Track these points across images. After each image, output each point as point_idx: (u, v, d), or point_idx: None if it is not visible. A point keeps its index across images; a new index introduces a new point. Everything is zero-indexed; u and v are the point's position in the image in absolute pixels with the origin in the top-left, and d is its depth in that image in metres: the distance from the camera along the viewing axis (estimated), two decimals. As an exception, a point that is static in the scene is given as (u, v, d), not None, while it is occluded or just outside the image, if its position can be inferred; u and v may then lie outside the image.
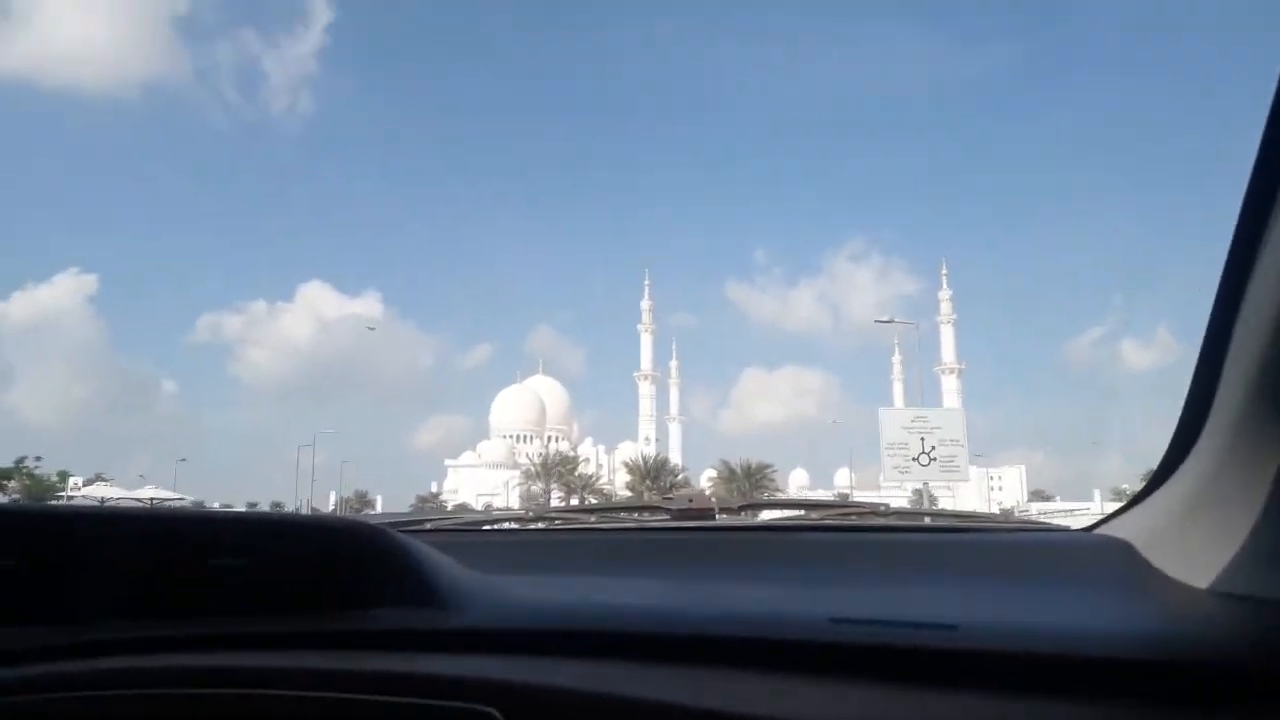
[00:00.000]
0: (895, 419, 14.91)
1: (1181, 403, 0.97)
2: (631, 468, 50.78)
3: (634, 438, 68.13)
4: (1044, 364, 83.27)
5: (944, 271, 62.17)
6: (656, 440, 67.64)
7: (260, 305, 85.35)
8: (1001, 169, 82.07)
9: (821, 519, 1.48)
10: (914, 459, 13.97)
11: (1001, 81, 77.97)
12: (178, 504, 35.76)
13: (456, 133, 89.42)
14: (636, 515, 1.68)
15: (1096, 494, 54.14)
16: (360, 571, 0.88)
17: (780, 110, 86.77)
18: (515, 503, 51.41)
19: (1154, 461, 1.07)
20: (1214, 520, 0.90)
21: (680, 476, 51.23)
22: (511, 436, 71.64)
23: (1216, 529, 0.88)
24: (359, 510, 54.40)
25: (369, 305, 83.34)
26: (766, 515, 1.89)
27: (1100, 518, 1.20)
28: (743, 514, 1.69)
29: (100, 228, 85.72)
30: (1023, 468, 65.75)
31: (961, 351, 62.08)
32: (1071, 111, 76.40)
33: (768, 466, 46.72)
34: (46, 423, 75.84)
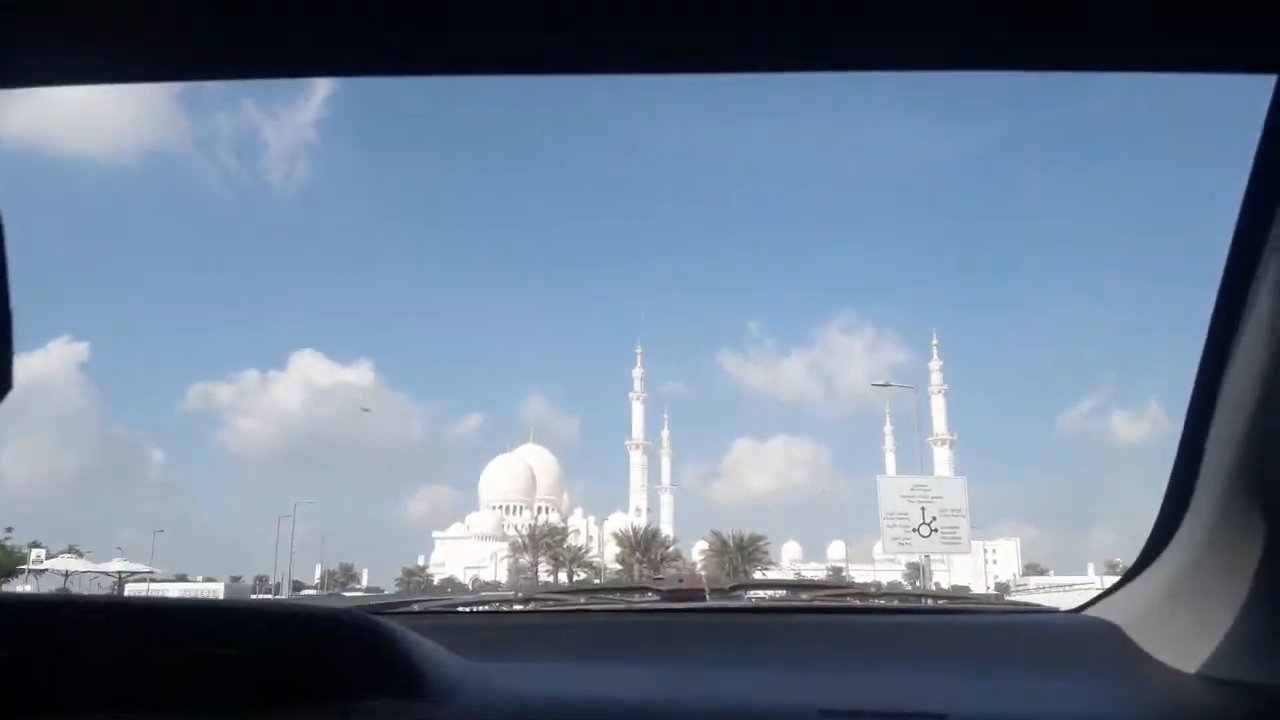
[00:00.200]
0: (894, 487, 14.62)
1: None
2: (621, 539, 50.09)
3: (625, 507, 67.40)
4: (1035, 436, 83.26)
5: (935, 343, 62.54)
6: (648, 510, 66.89)
7: (252, 374, 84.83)
8: (992, 244, 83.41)
9: (813, 600, 1.49)
10: (914, 529, 13.73)
11: (992, 161, 79.83)
12: (146, 576, 35.00)
13: (450, 205, 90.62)
14: (626, 596, 1.68)
15: (1090, 567, 53.63)
16: (349, 662, 0.86)
17: (772, 185, 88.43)
18: (503, 575, 50.58)
19: (1147, 534, 1.08)
20: (1198, 605, 0.91)
21: (671, 549, 50.54)
22: (501, 507, 70.79)
23: (1201, 613, 0.90)
24: (344, 584, 53.37)
25: (361, 374, 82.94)
26: (757, 595, 1.88)
27: (1090, 598, 1.22)
28: (733, 594, 1.69)
29: (93, 295, 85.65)
30: (1017, 540, 65.15)
31: (952, 423, 62.14)
32: (1061, 190, 78.16)
33: (760, 539, 46.22)
34: (34, 492, 74.49)
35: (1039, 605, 1.64)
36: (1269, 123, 0.76)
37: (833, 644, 1.13)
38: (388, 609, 1.24)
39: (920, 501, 13.81)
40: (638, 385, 68.98)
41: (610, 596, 1.66)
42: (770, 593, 1.88)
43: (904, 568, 45.49)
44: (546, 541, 51.27)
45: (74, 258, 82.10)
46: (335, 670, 0.85)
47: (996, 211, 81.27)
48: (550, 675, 1.01)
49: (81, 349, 75.20)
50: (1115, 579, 1.22)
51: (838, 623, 1.27)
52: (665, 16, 0.64)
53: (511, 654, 1.07)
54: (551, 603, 1.61)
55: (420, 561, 66.59)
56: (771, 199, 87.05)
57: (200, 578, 56.13)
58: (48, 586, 31.92)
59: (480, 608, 1.63)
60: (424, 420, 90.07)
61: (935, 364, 61.24)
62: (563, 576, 45.14)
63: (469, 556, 63.05)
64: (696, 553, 51.76)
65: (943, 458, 60.11)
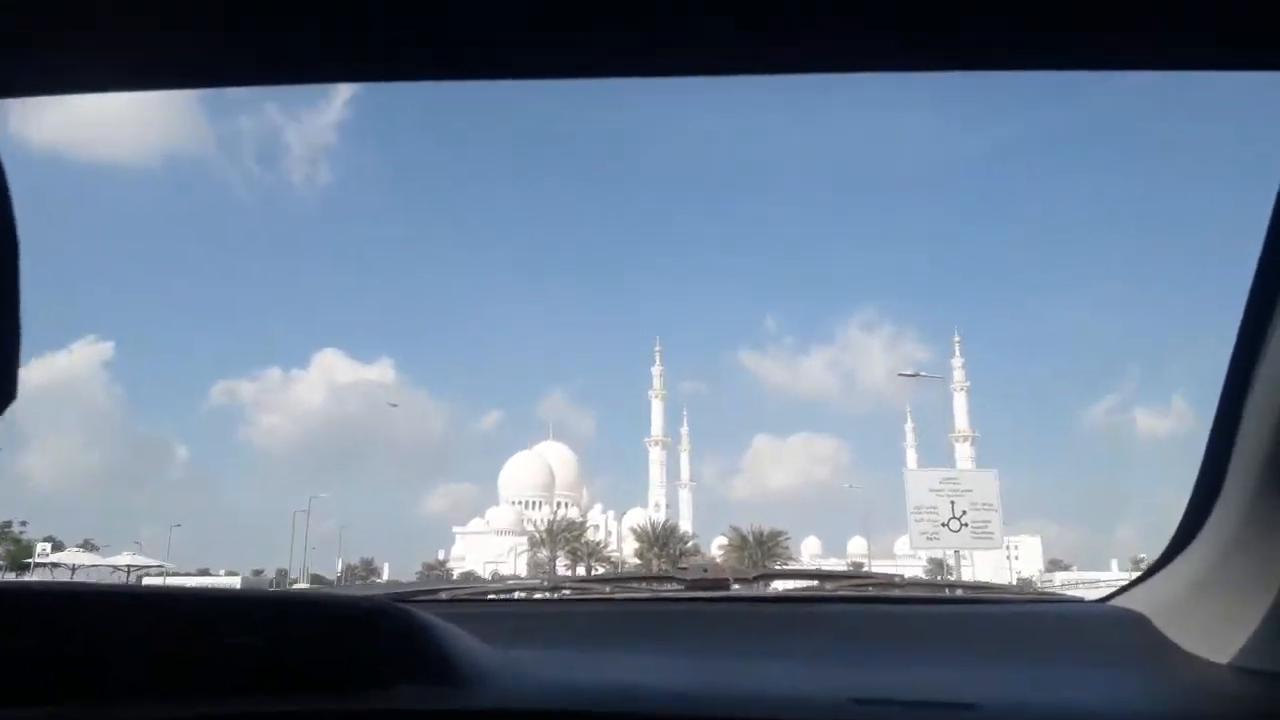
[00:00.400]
0: (922, 481, 14.15)
1: (1197, 472, 0.99)
2: (640, 535, 50.04)
3: (644, 503, 67.39)
4: (1058, 433, 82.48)
5: (956, 339, 61.99)
6: (667, 506, 66.86)
7: (275, 372, 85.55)
8: (1014, 238, 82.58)
9: (837, 590, 1.47)
10: (943, 524, 13.35)
11: (1012, 156, 79.01)
12: (158, 571, 35.20)
13: (470, 204, 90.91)
14: (651, 585, 1.70)
15: (1114, 563, 53.01)
16: (378, 649, 0.86)
17: (792, 181, 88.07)
18: (522, 569, 50.66)
19: (1171, 531, 1.07)
20: (1228, 594, 0.91)
21: (690, 544, 50.47)
22: (520, 503, 70.97)
23: (1231, 602, 0.89)
24: (365, 578, 53.65)
25: (382, 372, 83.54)
26: (780, 585, 1.88)
27: (1115, 589, 1.21)
28: (756, 584, 1.68)
29: (118, 295, 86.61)
30: (1039, 537, 64.53)
31: (974, 419, 61.58)
32: (1086, 181, 77.13)
33: (780, 534, 46.02)
34: (60, 488, 75.53)
35: (1065, 595, 1.61)
36: None
37: (859, 633, 1.12)
38: (414, 597, 1.24)
39: (949, 495, 13.40)
40: (657, 383, 68.97)
41: (635, 585, 1.67)
42: (794, 583, 1.86)
43: (925, 563, 45.11)
44: (565, 536, 51.35)
45: (99, 259, 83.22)
46: (363, 657, 0.85)
47: (1017, 208, 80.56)
48: (576, 662, 1.01)
49: (106, 348, 76.23)
50: (1140, 574, 1.20)
51: (864, 612, 1.26)
52: (684, 18, 0.65)
53: (537, 641, 1.08)
54: (576, 591, 1.62)
55: (440, 556, 66.88)
56: (791, 196, 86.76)
57: (222, 571, 56.69)
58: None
59: (506, 596, 1.62)
60: (444, 417, 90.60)
61: (957, 360, 60.69)
62: (581, 571, 45.07)
63: (488, 551, 63.25)
64: (715, 548, 51.59)
65: (964, 454, 59.60)
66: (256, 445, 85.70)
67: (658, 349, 69.39)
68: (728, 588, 1.43)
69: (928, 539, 13.63)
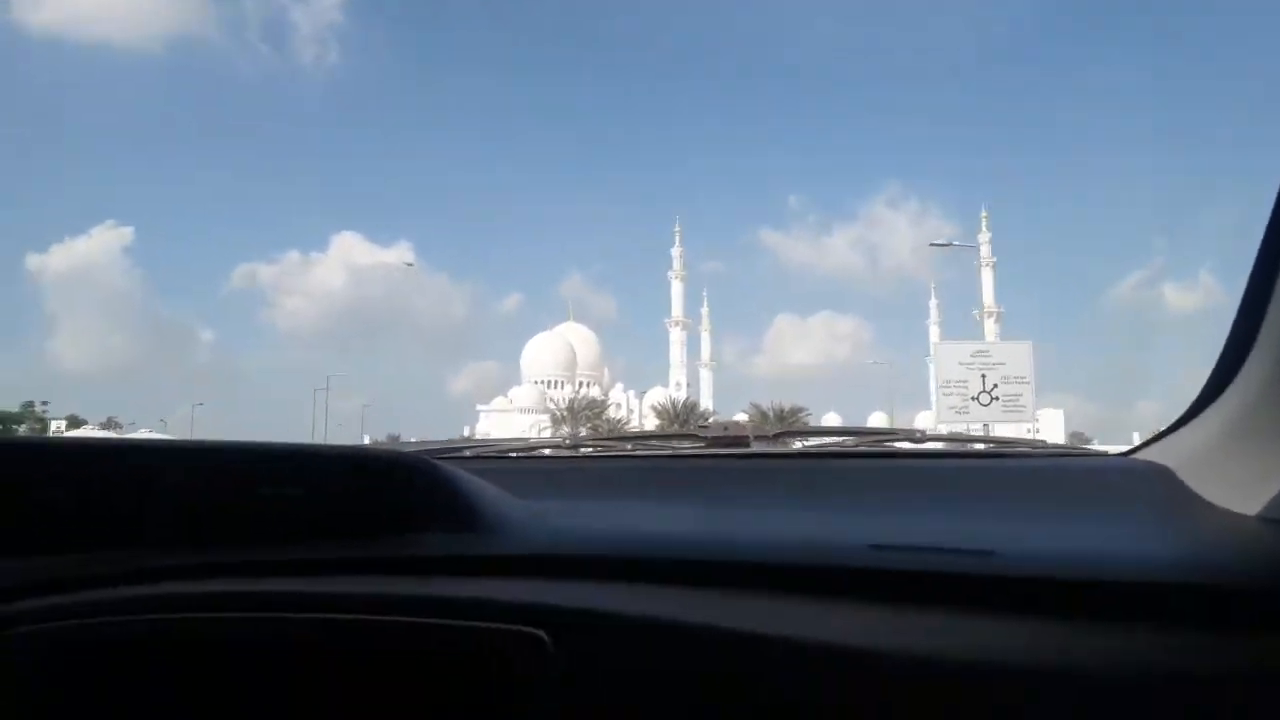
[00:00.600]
0: (953, 353, 13.66)
1: (1222, 344, 0.95)
2: (660, 412, 50.56)
3: (666, 383, 67.73)
4: (1083, 307, 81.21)
5: (983, 215, 60.14)
6: (688, 385, 67.18)
7: (294, 255, 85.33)
8: (1042, 111, 79.17)
9: (858, 445, 1.46)
10: (973, 398, 12.96)
11: (1039, 26, 74.71)
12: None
13: (486, 83, 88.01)
14: (672, 443, 1.72)
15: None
16: (407, 499, 0.89)
17: (815, 55, 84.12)
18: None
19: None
20: (1257, 445, 0.89)
21: (710, 420, 50.87)
22: (543, 382, 71.62)
23: (1260, 454, 0.88)
24: (392, 452, 54.89)
25: (401, 255, 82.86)
26: (801, 445, 1.86)
27: (1140, 443, 1.17)
28: (777, 441, 1.64)
29: (134, 180, 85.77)
30: (1062, 411, 64.52)
31: (999, 296, 60.51)
32: (1116, 52, 73.13)
33: (800, 409, 46.27)
34: (87, 370, 77.11)
35: (1088, 449, 1.61)
36: None
37: (880, 487, 1.12)
38: (444, 454, 1.26)
39: (980, 368, 12.94)
40: (677, 263, 67.94)
41: (655, 443, 1.69)
42: (815, 441, 1.81)
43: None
44: (586, 414, 52.01)
45: (112, 145, 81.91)
46: (393, 507, 0.88)
47: (1044, 79, 76.81)
48: (596, 512, 1.03)
49: (126, 233, 75.98)
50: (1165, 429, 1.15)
51: (885, 466, 1.25)
52: None
53: (559, 494, 1.10)
54: (598, 449, 1.64)
55: (465, 432, 68.15)
56: (812, 69, 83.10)
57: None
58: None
59: (529, 453, 1.60)
60: (465, 299, 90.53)
61: (984, 236, 59.11)
62: (604, 448, 45.69)
63: (512, 429, 64.33)
64: (736, 424, 51.97)
65: (990, 331, 58.88)
66: (279, 326, 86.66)
67: (677, 229, 68.18)
68: (748, 445, 1.39)
69: (956, 413, 13.23)
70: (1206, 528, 0.87)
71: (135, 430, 38.27)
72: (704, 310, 70.57)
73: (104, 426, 40.84)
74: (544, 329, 76.11)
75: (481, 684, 0.76)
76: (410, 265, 73.58)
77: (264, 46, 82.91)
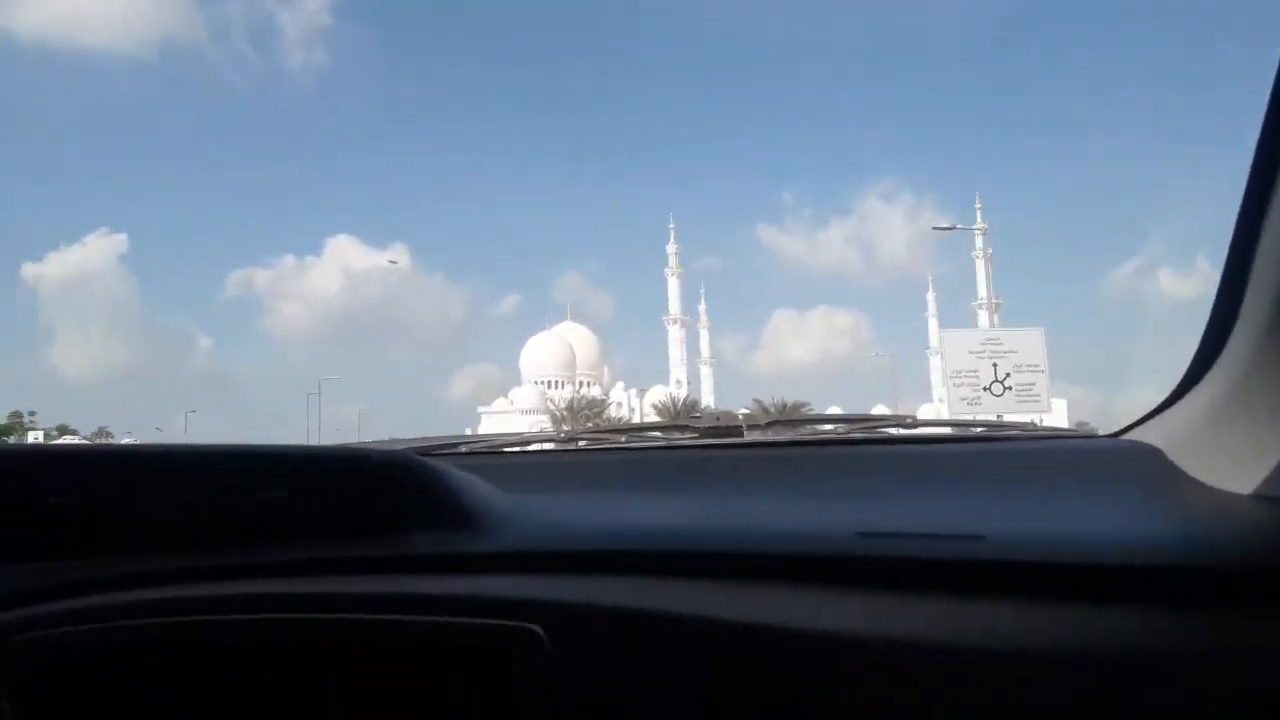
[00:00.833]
0: (962, 342, 12.99)
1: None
2: (661, 410, 50.52)
3: (666, 381, 67.58)
4: (1081, 296, 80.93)
5: (978, 206, 59.97)
6: (688, 383, 67.03)
7: (289, 260, 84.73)
8: (1035, 102, 78.61)
9: (849, 432, 1.46)
10: (985, 388, 12.66)
11: (1032, 10, 74.45)
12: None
13: (477, 81, 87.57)
14: (665, 434, 1.73)
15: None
16: (398, 497, 0.90)
17: (807, 49, 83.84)
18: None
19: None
20: (1244, 423, 0.88)
21: (703, 411, 50.78)
22: (543, 383, 71.42)
23: (1247, 432, 0.87)
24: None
25: (396, 258, 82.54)
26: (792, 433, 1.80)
27: (1128, 424, 1.17)
28: (771, 431, 1.63)
29: (127, 188, 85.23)
30: (1065, 400, 64.52)
31: (997, 288, 60.45)
32: (1107, 40, 72.90)
33: (802, 404, 46.02)
34: (82, 378, 76.67)
35: (1076, 430, 1.59)
36: None
37: (870, 473, 1.11)
38: (435, 451, 1.26)
39: (991, 357, 12.56)
40: (672, 260, 67.75)
41: (649, 435, 1.70)
42: (808, 428, 1.79)
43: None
44: (586, 413, 51.89)
45: (102, 153, 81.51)
46: (385, 506, 0.89)
47: (1038, 66, 76.70)
48: (589, 507, 1.03)
49: (120, 240, 75.58)
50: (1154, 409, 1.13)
51: (875, 453, 1.25)
52: None
53: (551, 488, 1.10)
54: (591, 442, 1.62)
55: (467, 434, 68.00)
56: (804, 62, 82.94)
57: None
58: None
59: (522, 448, 1.58)
60: (462, 301, 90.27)
61: (980, 226, 59.03)
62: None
63: (511, 429, 64.14)
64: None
65: (987, 323, 58.90)
66: (273, 332, 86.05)
67: (672, 226, 68.01)
68: (741, 435, 1.40)
69: (968, 404, 12.77)
70: (1196, 506, 0.87)
71: (127, 439, 38.08)
72: (702, 307, 70.40)
73: (95, 436, 40.56)
74: (542, 329, 76.00)
75: (479, 680, 0.77)
76: (394, 263, 73.09)
77: (253, 51, 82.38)
